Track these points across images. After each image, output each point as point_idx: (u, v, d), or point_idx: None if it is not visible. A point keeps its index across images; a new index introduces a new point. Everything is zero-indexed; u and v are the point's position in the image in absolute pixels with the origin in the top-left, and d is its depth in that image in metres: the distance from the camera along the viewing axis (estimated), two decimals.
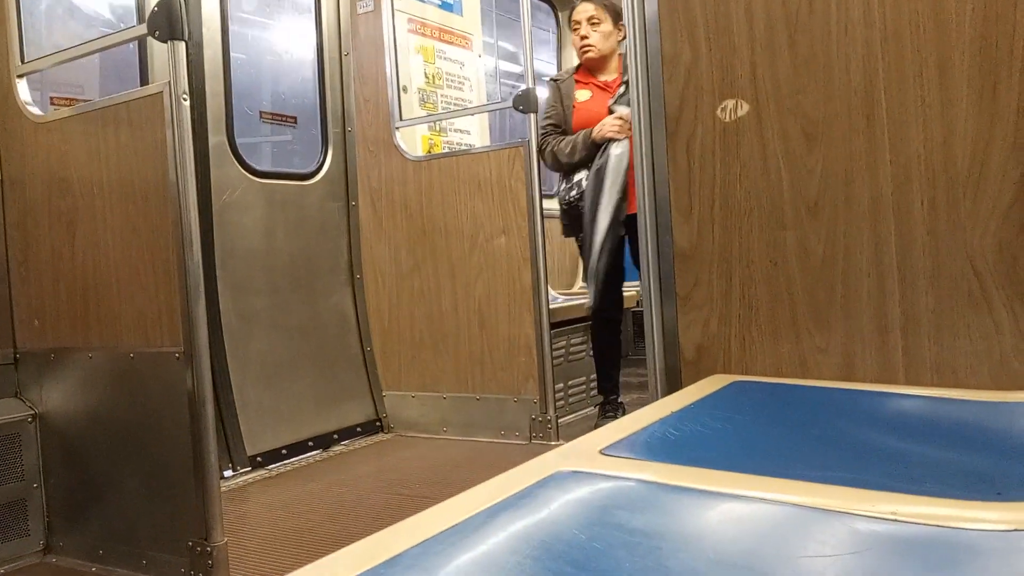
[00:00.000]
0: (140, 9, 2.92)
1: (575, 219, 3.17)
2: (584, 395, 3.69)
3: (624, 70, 3.02)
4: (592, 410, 3.55)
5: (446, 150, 3.81)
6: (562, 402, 3.49)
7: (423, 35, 3.82)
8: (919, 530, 0.83)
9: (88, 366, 2.29)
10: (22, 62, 2.35)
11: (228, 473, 2.87)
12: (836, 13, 1.60)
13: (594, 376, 3.45)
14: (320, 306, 3.42)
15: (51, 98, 2.67)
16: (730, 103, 1.70)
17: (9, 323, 2.43)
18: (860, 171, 1.59)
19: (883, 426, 1.26)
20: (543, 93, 3.36)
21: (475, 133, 4.06)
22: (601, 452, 1.13)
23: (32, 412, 2.34)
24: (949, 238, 1.50)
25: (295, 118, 3.66)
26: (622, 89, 3.01)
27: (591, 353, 3.47)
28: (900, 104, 1.55)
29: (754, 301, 1.72)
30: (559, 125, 3.28)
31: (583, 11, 3.27)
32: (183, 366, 2.03)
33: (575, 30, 3.31)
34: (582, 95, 3.29)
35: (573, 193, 3.17)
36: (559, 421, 3.15)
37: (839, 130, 1.61)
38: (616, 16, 3.23)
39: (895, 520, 0.85)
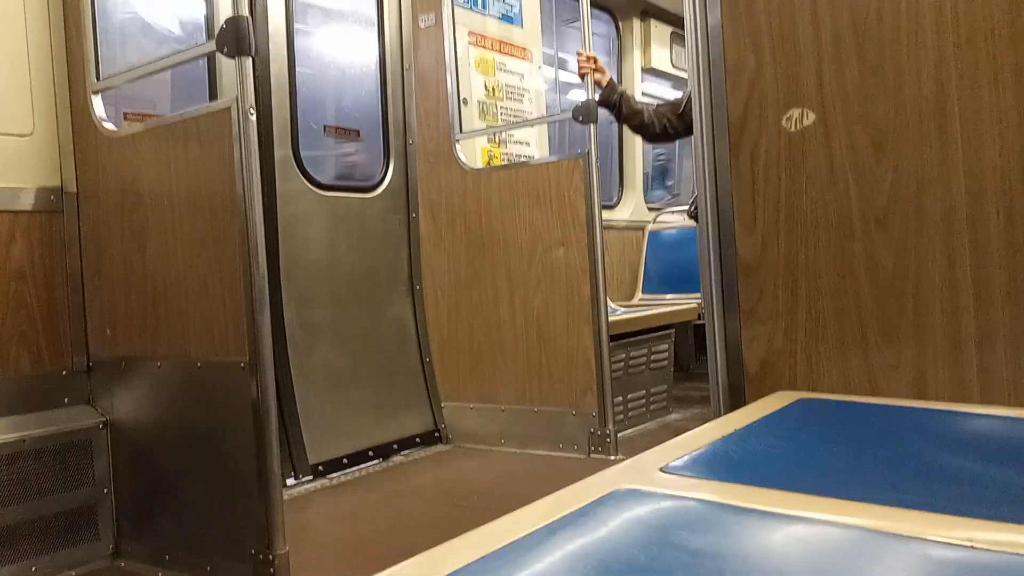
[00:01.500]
0: (209, 26, 3.01)
1: None
2: (644, 408, 3.65)
3: None
4: (651, 424, 3.51)
5: (505, 162, 3.82)
6: (621, 416, 3.46)
7: (483, 48, 3.84)
8: (996, 558, 0.79)
9: (157, 375, 2.35)
10: (97, 79, 2.43)
11: (291, 482, 2.91)
12: (906, 20, 1.56)
13: (653, 389, 3.43)
14: (380, 317, 3.46)
15: (124, 113, 2.76)
16: (796, 112, 1.67)
17: (83, 332, 2.51)
18: (932, 182, 1.54)
19: (957, 447, 1.21)
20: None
21: (534, 144, 4.06)
22: (661, 470, 1.11)
23: (104, 419, 2.41)
24: None
25: (358, 131, 3.72)
26: None
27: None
28: (974, 113, 1.49)
29: (821, 315, 1.68)
30: (675, 109, 3.43)
31: None
32: (248, 375, 2.07)
33: None
34: None
35: None
36: (618, 435, 3.12)
37: (909, 140, 1.56)
38: None
39: (971, 547, 0.81)
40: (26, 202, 2.41)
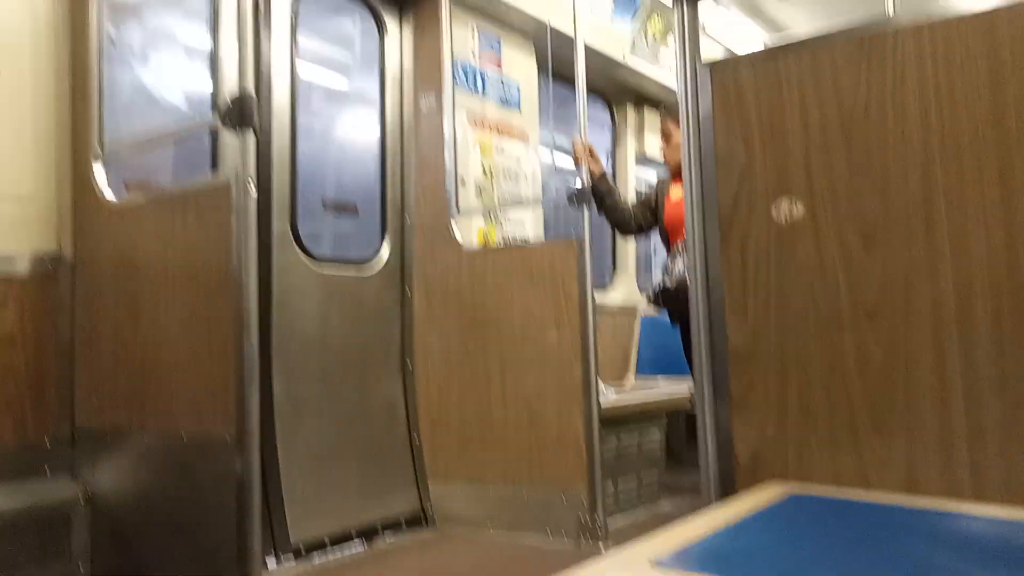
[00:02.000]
0: (215, 99, 3.07)
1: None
2: (635, 495, 3.59)
3: None
4: (642, 512, 3.45)
5: (501, 242, 3.86)
6: (611, 501, 3.40)
7: (482, 129, 3.92)
8: None
9: (142, 446, 2.32)
10: (100, 147, 2.47)
11: (271, 563, 2.84)
12: (893, 117, 1.60)
13: (644, 476, 3.39)
14: (370, 394, 3.43)
15: (125, 182, 2.79)
16: (785, 204, 1.70)
17: (69, 401, 2.49)
18: (920, 277, 1.56)
19: (948, 547, 1.20)
20: None
21: (530, 226, 4.11)
22: (653, 563, 1.09)
23: (85, 492, 2.37)
24: (1015, 347, 1.45)
25: (356, 207, 3.76)
26: None
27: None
28: (960, 210, 1.52)
29: (812, 406, 1.67)
30: (647, 205, 3.65)
31: (661, 125, 3.65)
32: (233, 450, 2.04)
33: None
34: (675, 193, 3.51)
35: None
36: (608, 522, 3.06)
37: (898, 234, 1.58)
38: None
39: None
40: (21, 267, 2.42)
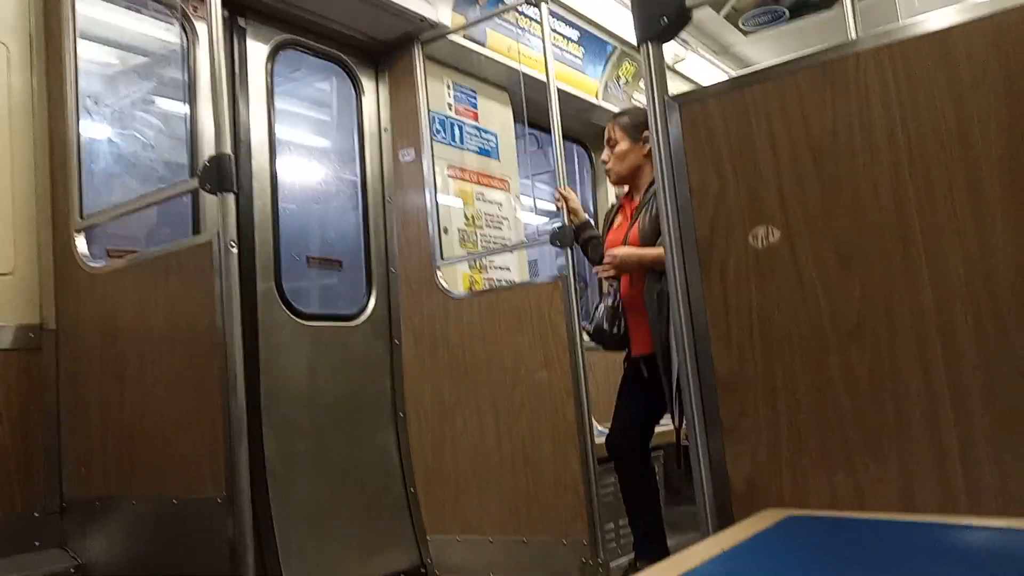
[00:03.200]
0: (193, 163, 3.09)
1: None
2: None
3: (648, 186, 2.97)
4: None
5: (487, 287, 3.87)
6: (612, 543, 3.35)
7: (462, 179, 3.96)
8: None
9: (132, 513, 2.29)
10: (81, 217, 2.48)
11: None
12: (860, 138, 1.62)
13: None
14: (363, 447, 3.40)
15: (108, 250, 2.79)
16: (761, 230, 1.71)
17: (57, 472, 2.45)
18: (900, 293, 1.56)
19: (947, 560, 1.18)
20: None
21: (515, 269, 4.13)
22: None
23: (76, 563, 2.33)
24: (1000, 355, 1.45)
25: (340, 261, 3.77)
26: (643, 210, 2.96)
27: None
28: (933, 224, 1.54)
29: (803, 429, 1.66)
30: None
31: (607, 133, 3.13)
32: (224, 511, 2.02)
33: None
34: (619, 219, 3.20)
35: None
36: (611, 564, 3.01)
37: (874, 252, 1.60)
38: (634, 130, 3.03)
39: None
40: (4, 340, 2.41)
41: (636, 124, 3.02)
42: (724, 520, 1.71)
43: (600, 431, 3.15)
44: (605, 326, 3.06)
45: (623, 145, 3.06)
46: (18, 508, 2.38)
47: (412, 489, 3.45)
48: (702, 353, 1.78)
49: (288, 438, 3.11)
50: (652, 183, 2.82)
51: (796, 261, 1.67)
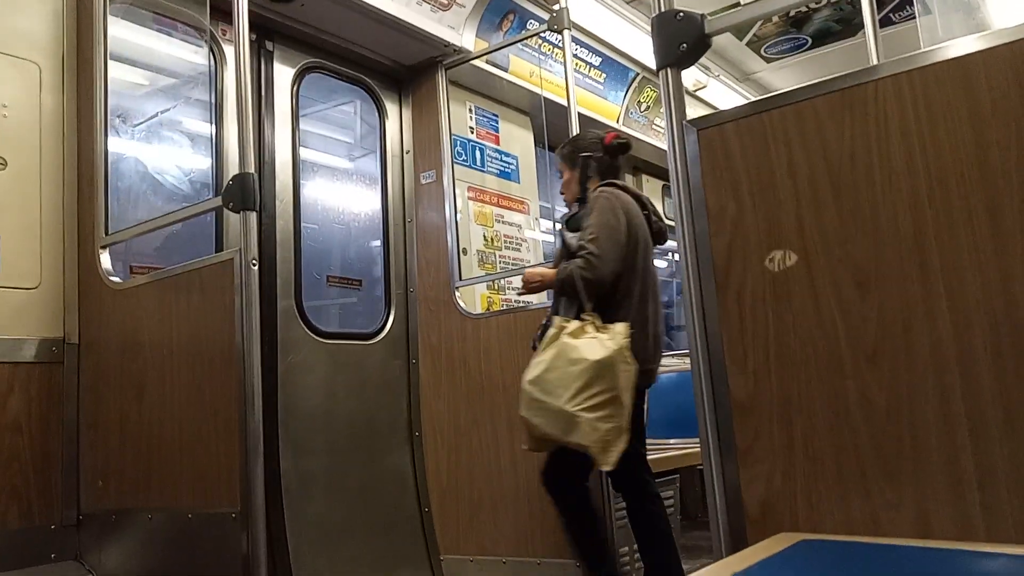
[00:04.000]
0: (217, 182, 3.14)
1: None
2: None
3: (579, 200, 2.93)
4: None
5: (504, 307, 3.88)
6: (627, 567, 3.32)
7: (482, 202, 3.99)
8: None
9: (147, 527, 2.30)
10: (106, 234, 2.52)
11: None
12: (879, 164, 1.62)
13: None
14: (379, 466, 3.40)
15: (131, 267, 2.83)
16: (778, 254, 1.71)
17: (75, 485, 2.48)
18: (918, 318, 1.55)
19: None
20: None
21: None
22: None
23: None
24: (1018, 382, 1.44)
25: (360, 281, 3.80)
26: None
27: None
28: (952, 250, 1.53)
29: (819, 454, 1.65)
30: None
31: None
32: (239, 527, 2.03)
33: None
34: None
35: None
36: None
37: (892, 278, 1.59)
38: (570, 158, 3.02)
39: None
40: (28, 353, 2.45)
41: (571, 152, 3.03)
42: (738, 544, 1.69)
43: None
44: (533, 346, 2.85)
45: (566, 175, 3.08)
46: (36, 520, 2.40)
47: (427, 509, 3.44)
48: (718, 377, 1.77)
49: (304, 455, 3.12)
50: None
51: (813, 286, 1.67)
